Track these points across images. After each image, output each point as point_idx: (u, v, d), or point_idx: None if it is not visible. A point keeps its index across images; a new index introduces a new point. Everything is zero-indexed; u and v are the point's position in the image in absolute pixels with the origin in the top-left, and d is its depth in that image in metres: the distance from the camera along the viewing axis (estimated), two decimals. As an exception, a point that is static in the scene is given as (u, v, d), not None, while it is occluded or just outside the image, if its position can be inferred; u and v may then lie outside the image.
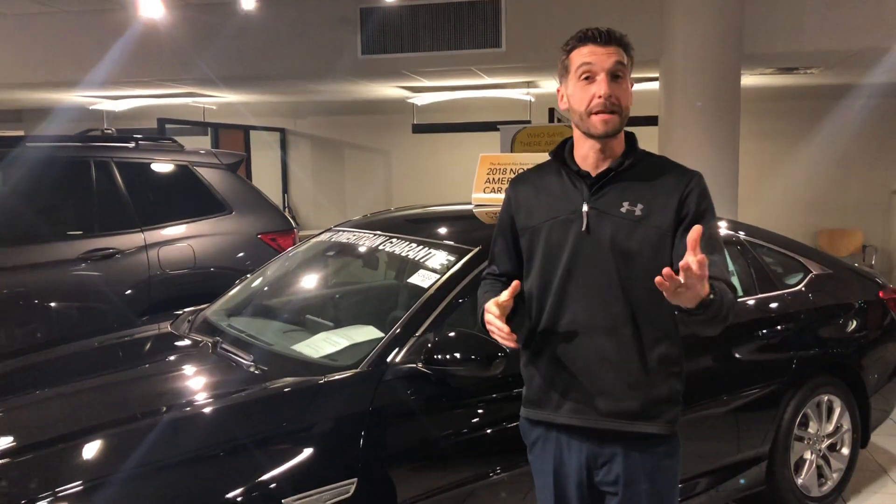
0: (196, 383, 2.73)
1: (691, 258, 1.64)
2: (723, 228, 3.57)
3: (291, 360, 2.71)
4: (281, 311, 3.37)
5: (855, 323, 3.81)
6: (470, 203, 3.85)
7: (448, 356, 2.35)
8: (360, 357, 2.55)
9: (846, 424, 3.74)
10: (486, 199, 3.83)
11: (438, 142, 10.74)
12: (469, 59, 7.33)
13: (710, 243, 1.90)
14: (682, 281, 1.64)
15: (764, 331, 3.41)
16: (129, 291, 4.66)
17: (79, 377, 2.90)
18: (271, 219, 5.39)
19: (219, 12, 7.56)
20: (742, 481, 3.36)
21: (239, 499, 2.11)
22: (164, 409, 2.37)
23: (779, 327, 3.48)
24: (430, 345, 2.42)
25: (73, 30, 7.94)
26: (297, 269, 3.73)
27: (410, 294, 2.88)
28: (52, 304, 4.52)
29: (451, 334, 2.41)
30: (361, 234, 3.44)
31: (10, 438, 2.33)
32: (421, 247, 3.05)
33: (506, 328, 1.87)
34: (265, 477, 2.17)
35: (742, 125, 6.35)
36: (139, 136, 5.23)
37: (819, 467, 3.66)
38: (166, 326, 3.32)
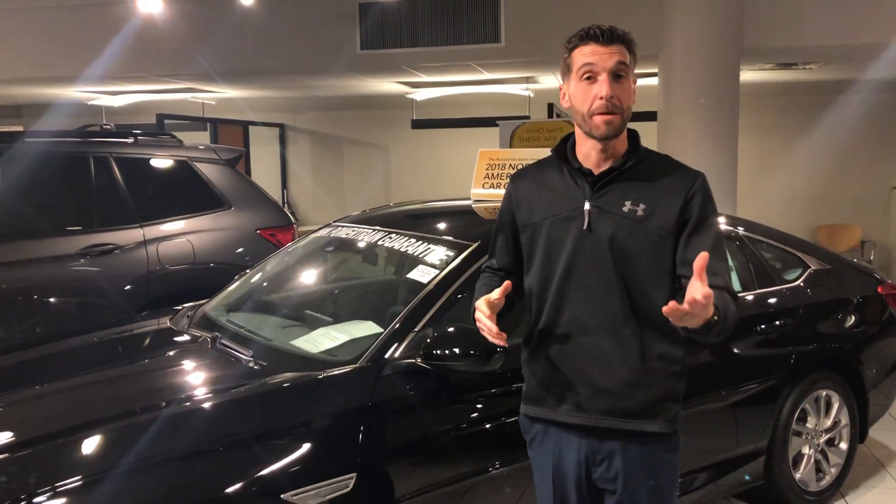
0: (195, 378, 2.74)
1: (697, 290, 1.64)
2: (721, 224, 3.57)
3: (290, 356, 2.71)
4: (280, 306, 3.37)
5: (853, 318, 3.81)
6: (469, 198, 3.86)
7: (447, 351, 2.36)
8: (359, 352, 2.55)
9: (844, 419, 3.75)
10: (485, 194, 3.83)
11: (437, 137, 10.74)
12: (468, 55, 7.32)
13: (714, 250, 1.90)
14: (689, 310, 1.64)
15: (762, 326, 3.41)
16: (128, 287, 4.66)
17: (78, 372, 2.91)
18: (270, 214, 5.39)
19: (217, 7, 7.55)
20: (747, 477, 3.38)
21: (238, 494, 2.11)
22: (164, 404, 2.37)
23: (777, 322, 3.48)
24: (429, 340, 2.42)
25: (72, 25, 7.93)
26: (296, 264, 3.73)
27: (409, 289, 2.88)
28: (52, 300, 4.52)
29: (450, 329, 2.41)
30: (361, 230, 3.44)
31: (10, 433, 2.33)
32: (420, 242, 3.06)
33: (494, 328, 1.86)
34: (264, 472, 2.17)
35: (741, 120, 6.35)
36: (138, 131, 5.23)
37: (817, 462, 3.67)
38: (165, 322, 3.33)
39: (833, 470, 3.74)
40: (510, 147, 7.32)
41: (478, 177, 3.90)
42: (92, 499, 1.99)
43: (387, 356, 2.51)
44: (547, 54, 7.03)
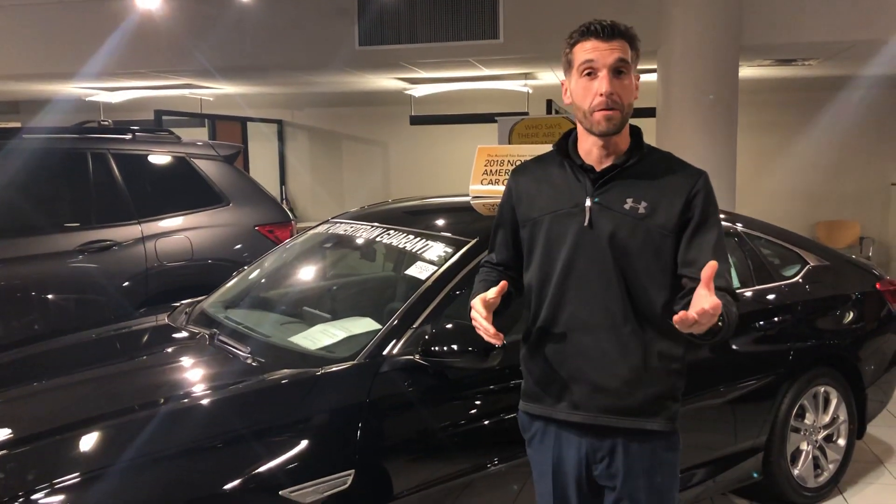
0: (193, 375, 2.74)
1: (705, 299, 1.64)
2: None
3: (289, 352, 2.71)
4: (278, 302, 3.37)
5: (852, 314, 3.82)
6: (467, 195, 3.85)
7: (445, 348, 2.36)
8: (357, 349, 2.55)
9: (843, 415, 3.75)
10: (484, 190, 3.82)
11: (436, 133, 10.73)
12: (467, 51, 7.31)
13: (716, 250, 1.90)
14: (697, 319, 1.64)
15: (761, 322, 3.41)
16: (126, 283, 4.65)
17: (76, 369, 2.91)
18: (269, 211, 5.38)
19: (216, 3, 7.54)
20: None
21: (236, 490, 2.11)
22: (162, 400, 2.37)
23: (776, 319, 3.48)
24: (427, 336, 2.42)
25: (70, 21, 7.91)
26: (294, 260, 3.73)
27: (408, 286, 2.88)
28: (50, 296, 4.52)
29: (449, 326, 2.41)
30: (359, 226, 3.43)
31: (8, 430, 2.33)
32: (418, 238, 3.05)
33: (491, 329, 1.85)
34: (262, 468, 2.17)
35: (740, 116, 6.34)
36: (136, 127, 5.22)
37: (815, 458, 3.67)
38: (163, 318, 3.32)
39: (831, 466, 3.74)
40: (509, 143, 7.31)
41: (476, 173, 3.90)
42: (90, 495, 1.99)
43: (385, 353, 2.50)
44: (545, 50, 7.03)
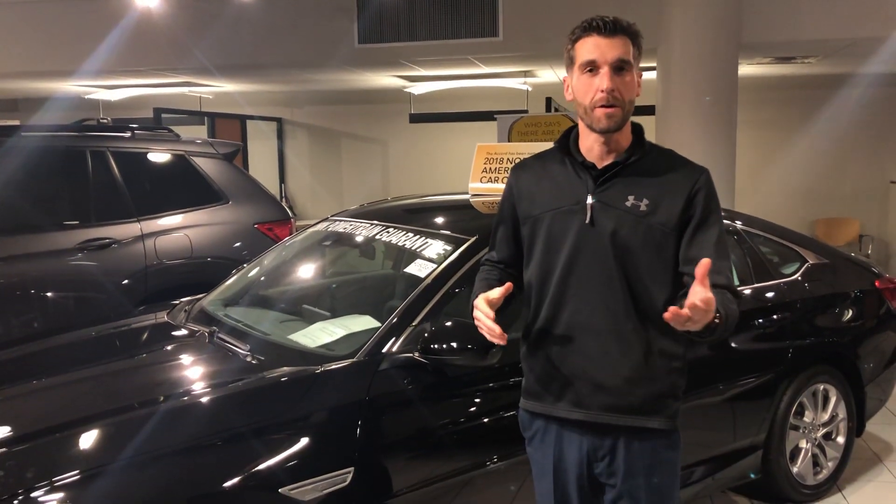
0: (193, 373, 2.74)
1: (698, 294, 1.64)
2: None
3: (288, 350, 2.71)
4: (278, 300, 3.37)
5: (851, 312, 3.82)
6: (467, 193, 3.85)
7: (445, 345, 2.36)
8: (356, 347, 2.55)
9: (842, 413, 3.75)
10: (483, 188, 3.82)
11: (435, 131, 10.73)
12: (466, 49, 7.31)
13: (717, 248, 1.89)
14: (690, 315, 1.64)
15: (760, 320, 3.42)
16: (125, 281, 4.65)
17: (76, 367, 2.90)
18: (268, 208, 5.38)
19: (215, 1, 7.52)
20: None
21: (236, 488, 2.11)
22: (161, 398, 2.37)
23: (775, 317, 3.49)
24: (426, 334, 2.42)
25: (69, 18, 7.90)
26: (293, 258, 3.73)
27: (407, 283, 2.88)
28: (49, 294, 4.52)
29: (448, 324, 2.40)
30: (358, 224, 3.43)
31: (7, 428, 2.33)
32: (418, 236, 3.05)
33: (496, 329, 1.84)
34: (262, 466, 2.17)
35: (739, 114, 6.34)
36: (135, 125, 5.21)
37: (814, 456, 3.68)
38: (163, 316, 3.32)
39: (830, 464, 3.74)
40: (508, 141, 7.31)
41: (476, 171, 3.90)
42: (90, 493, 1.99)
43: (384, 350, 2.51)
44: (545, 48, 7.02)
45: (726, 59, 6.16)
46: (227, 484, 2.11)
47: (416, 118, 10.17)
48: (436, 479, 2.46)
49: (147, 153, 5.03)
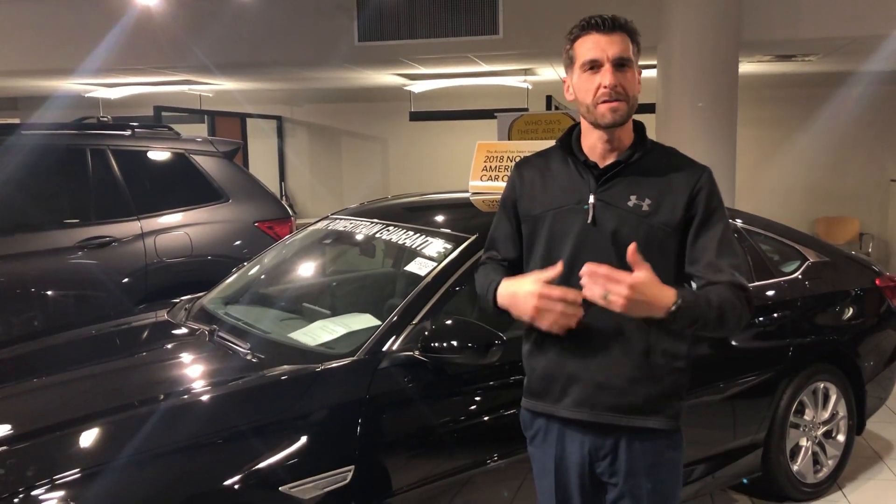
0: (193, 371, 2.74)
1: (621, 275, 1.70)
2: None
3: (288, 348, 2.71)
4: (278, 299, 3.37)
5: (851, 310, 3.82)
6: (467, 191, 3.85)
7: (445, 344, 2.36)
8: (357, 345, 2.55)
9: (842, 411, 3.75)
10: (484, 186, 3.82)
11: (435, 129, 10.72)
12: (466, 47, 7.30)
13: (720, 246, 1.89)
14: (594, 273, 1.71)
15: (760, 318, 3.41)
16: (125, 280, 4.65)
17: (76, 365, 2.90)
18: (268, 207, 5.38)
19: (215, -1, 7.53)
20: (744, 481, 3.38)
21: (236, 486, 2.12)
22: (162, 396, 2.37)
23: (775, 315, 3.49)
24: (427, 333, 2.42)
25: (69, 17, 7.89)
26: (294, 257, 3.73)
27: (407, 282, 2.88)
28: (49, 293, 4.51)
29: (449, 322, 2.41)
30: (358, 222, 3.43)
31: (8, 426, 2.33)
32: (418, 235, 3.05)
33: (570, 291, 1.81)
34: (262, 464, 2.17)
35: (739, 113, 6.34)
36: (135, 123, 5.21)
37: (815, 454, 3.68)
38: (163, 315, 3.32)
39: (830, 462, 3.75)
40: (508, 139, 7.31)
41: (476, 169, 3.90)
42: (90, 492, 1.99)
43: (385, 349, 2.51)
44: (545, 46, 7.02)
45: (726, 57, 6.16)
46: (228, 482, 2.11)
47: (416, 116, 10.17)
48: (436, 477, 2.46)
49: (147, 151, 5.03)
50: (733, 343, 3.26)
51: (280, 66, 8.27)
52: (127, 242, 4.69)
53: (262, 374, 2.50)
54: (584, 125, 1.97)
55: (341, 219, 3.56)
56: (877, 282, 3.98)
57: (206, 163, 5.17)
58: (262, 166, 11.01)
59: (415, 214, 3.56)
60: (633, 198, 1.91)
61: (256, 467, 2.16)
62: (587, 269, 1.72)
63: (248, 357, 2.64)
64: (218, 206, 5.11)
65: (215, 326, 2.92)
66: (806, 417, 3.60)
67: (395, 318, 2.59)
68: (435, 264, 2.79)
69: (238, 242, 5.10)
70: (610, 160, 1.95)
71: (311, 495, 2.21)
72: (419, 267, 2.84)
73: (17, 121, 11.08)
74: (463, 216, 3.46)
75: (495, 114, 7.75)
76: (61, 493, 1.96)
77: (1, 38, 8.08)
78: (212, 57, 7.69)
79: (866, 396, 3.83)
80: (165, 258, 4.80)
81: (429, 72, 8.88)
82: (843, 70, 8.76)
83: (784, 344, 3.46)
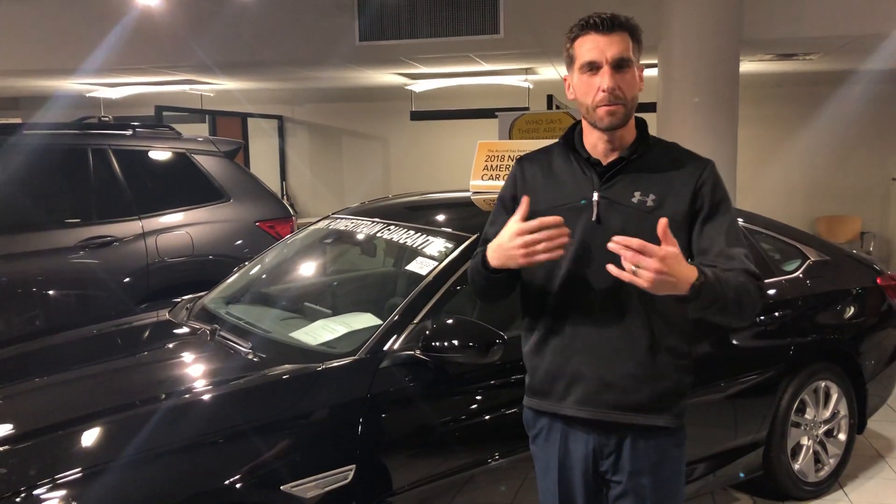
0: (194, 371, 2.74)
1: (652, 247, 1.65)
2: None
3: (289, 348, 2.71)
4: (279, 298, 3.37)
5: (852, 309, 3.82)
6: (468, 190, 3.85)
7: (446, 343, 2.36)
8: (358, 344, 2.55)
9: (843, 410, 3.75)
10: (485, 186, 3.82)
11: (436, 129, 10.72)
12: (467, 46, 7.30)
13: (728, 235, 1.88)
14: (629, 246, 1.66)
15: (762, 317, 3.41)
16: (127, 279, 4.66)
17: (77, 365, 2.91)
18: (269, 206, 5.38)
19: (216, -2, 7.53)
20: (741, 475, 3.38)
21: (238, 485, 2.12)
22: (163, 396, 2.37)
23: (776, 314, 3.48)
24: (428, 332, 2.42)
25: (70, 16, 7.90)
26: (295, 256, 3.73)
27: (408, 281, 2.88)
28: (51, 292, 4.52)
29: (449, 321, 2.41)
30: (359, 222, 3.44)
31: (10, 425, 2.33)
32: (419, 234, 3.05)
33: (549, 219, 1.77)
34: (264, 463, 2.18)
35: (741, 111, 6.34)
36: (136, 123, 5.22)
37: (816, 453, 3.68)
38: (164, 314, 3.33)
39: (832, 461, 3.74)
40: (509, 139, 7.31)
41: (477, 168, 3.90)
42: (92, 491, 1.99)
43: (386, 348, 2.51)
44: (546, 45, 7.02)
45: (728, 55, 6.15)
46: (229, 481, 2.12)
47: (417, 116, 10.17)
48: (437, 476, 2.47)
49: (148, 151, 5.03)
50: (734, 342, 3.26)
51: (281, 65, 8.27)
52: (128, 242, 4.70)
53: (263, 374, 2.50)
54: (586, 124, 1.97)
55: (342, 218, 3.56)
56: (878, 281, 3.97)
57: (207, 162, 5.17)
58: (263, 166, 11.02)
59: (416, 214, 3.56)
60: (637, 194, 1.90)
61: (258, 466, 2.17)
62: (617, 240, 1.68)
63: (250, 356, 2.64)
64: (219, 206, 5.11)
65: (216, 326, 2.93)
66: (807, 416, 3.60)
67: (396, 318, 2.59)
68: (436, 263, 2.79)
69: (239, 242, 5.11)
70: (612, 157, 1.94)
71: (313, 494, 2.21)
72: (420, 266, 2.84)
73: (18, 120, 11.09)
74: (464, 215, 3.46)
75: (496, 113, 7.75)
76: (63, 492, 1.97)
77: (2, 37, 8.09)
78: (213, 56, 7.69)
79: (867, 395, 3.82)
80: (167, 258, 4.81)
81: (430, 71, 8.89)
82: (844, 69, 8.76)
83: (785, 343, 3.46)
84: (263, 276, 3.64)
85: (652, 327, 1.91)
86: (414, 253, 2.98)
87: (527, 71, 8.96)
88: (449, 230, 3.05)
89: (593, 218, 1.91)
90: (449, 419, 2.52)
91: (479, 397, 2.60)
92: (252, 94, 11.26)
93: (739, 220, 3.63)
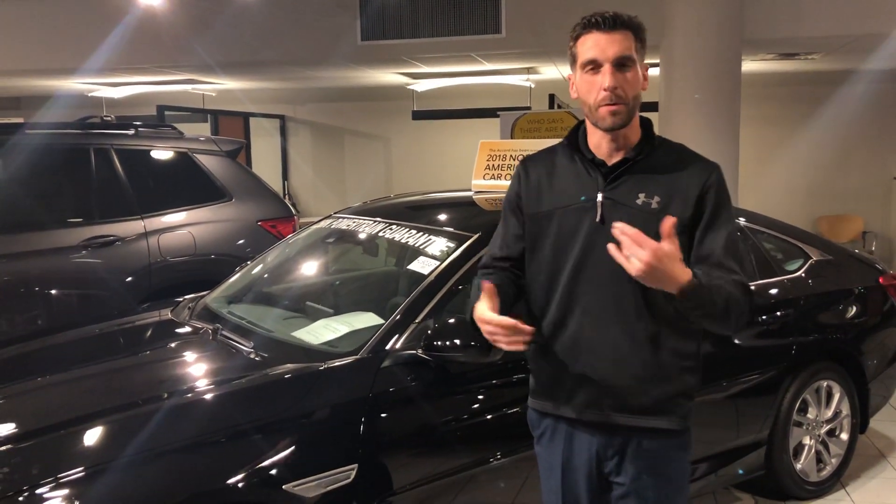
0: (197, 370, 2.74)
1: (653, 244, 1.65)
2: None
3: (292, 347, 2.72)
4: (281, 297, 3.37)
5: (854, 309, 3.81)
6: (470, 189, 3.85)
7: (448, 342, 2.36)
8: (360, 343, 2.55)
9: (845, 410, 3.75)
10: (486, 185, 3.82)
11: (438, 128, 10.72)
12: (469, 45, 7.30)
13: (727, 246, 1.87)
14: (632, 237, 1.66)
15: (764, 317, 3.41)
16: (129, 278, 4.66)
17: (80, 364, 2.91)
18: (271, 206, 5.39)
19: (217, -2, 7.53)
20: (740, 471, 3.38)
21: (240, 484, 2.12)
22: (165, 395, 2.38)
23: (778, 313, 3.48)
24: (429, 331, 2.42)
25: (72, 16, 7.90)
26: (297, 256, 3.73)
27: (410, 281, 2.88)
28: (53, 291, 4.53)
29: (451, 321, 2.40)
30: (361, 221, 3.44)
31: (12, 425, 2.34)
32: (421, 233, 3.05)
33: (509, 320, 1.77)
34: (266, 463, 2.18)
35: (742, 111, 6.33)
36: (138, 123, 5.22)
37: (818, 453, 3.67)
38: (167, 313, 3.33)
39: (834, 460, 3.74)
40: (511, 138, 7.31)
41: (479, 168, 3.90)
42: (94, 490, 1.99)
43: (388, 347, 2.51)
44: (548, 45, 7.01)
45: (729, 55, 6.15)
46: (231, 480, 2.12)
47: (418, 115, 10.16)
48: (439, 475, 2.47)
49: (150, 151, 5.04)
50: (736, 341, 3.26)
51: (283, 65, 8.28)
52: (130, 241, 4.70)
53: (265, 373, 2.51)
54: (589, 123, 1.95)
55: (344, 218, 3.57)
56: (880, 280, 3.97)
57: (209, 162, 5.17)
58: (265, 165, 11.02)
59: (417, 213, 3.56)
60: (641, 195, 1.89)
61: (260, 466, 2.17)
62: (618, 226, 1.69)
63: (252, 356, 2.64)
64: (221, 205, 5.12)
65: (219, 325, 2.93)
66: (809, 416, 3.60)
67: (398, 317, 2.59)
68: (438, 263, 2.79)
69: (241, 241, 5.11)
70: (617, 158, 1.92)
71: (315, 493, 2.22)
72: (422, 265, 2.85)
73: (20, 120, 11.10)
74: (466, 215, 3.46)
75: (498, 113, 7.74)
76: (65, 491, 1.97)
77: (4, 37, 8.09)
78: (215, 56, 7.69)
79: (870, 395, 3.82)
80: (169, 257, 4.81)
81: (431, 71, 8.88)
82: (846, 68, 8.74)
83: (787, 342, 3.46)
84: (265, 275, 3.64)
85: (657, 328, 1.90)
86: (416, 252, 2.98)
87: (528, 70, 8.95)
88: (451, 230, 3.05)
89: (597, 219, 1.90)
90: (450, 418, 2.52)
91: (480, 397, 2.60)
92: (254, 94, 11.27)
93: (741, 219, 3.66)
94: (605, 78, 1.84)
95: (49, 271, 4.48)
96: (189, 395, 2.40)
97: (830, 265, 3.84)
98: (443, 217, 3.41)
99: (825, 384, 3.65)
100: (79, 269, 4.55)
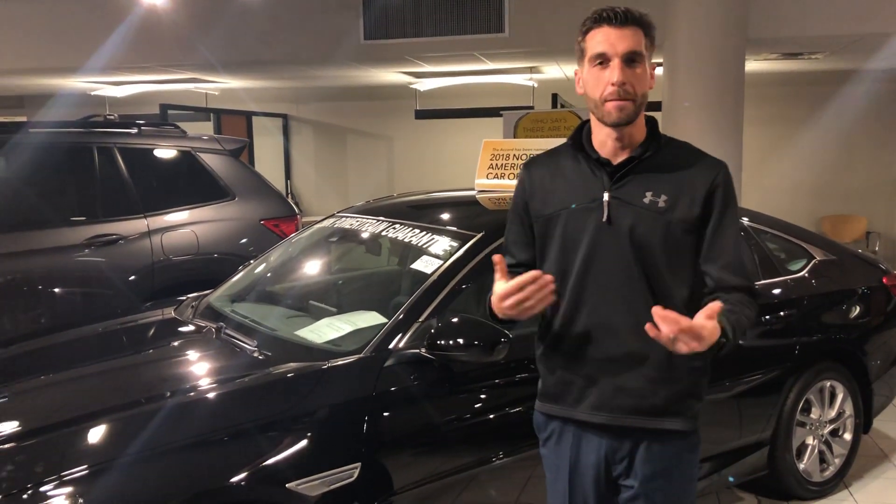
0: (200, 369, 2.75)
1: (696, 326, 1.65)
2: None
3: (295, 346, 2.72)
4: (284, 296, 3.37)
5: (858, 309, 3.81)
6: (473, 189, 3.85)
7: (451, 342, 2.35)
8: (363, 342, 2.55)
9: (848, 410, 3.74)
10: (490, 184, 3.82)
11: (441, 127, 10.72)
12: (472, 45, 7.30)
13: (735, 246, 1.87)
14: (676, 322, 1.64)
15: (767, 317, 3.41)
16: (132, 277, 4.67)
17: (83, 362, 2.92)
18: (274, 205, 5.39)
19: (220, -3, 7.54)
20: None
21: (243, 483, 2.12)
22: (169, 394, 2.38)
23: (782, 313, 3.48)
24: (433, 330, 2.42)
25: (75, 15, 7.92)
26: (300, 254, 3.73)
27: (413, 280, 2.88)
28: (56, 290, 4.53)
29: (454, 320, 2.40)
30: (364, 220, 3.44)
31: (16, 423, 2.34)
32: (424, 233, 3.05)
33: (546, 279, 1.75)
34: (269, 462, 2.18)
35: (746, 110, 6.32)
36: (141, 121, 5.23)
37: (821, 452, 3.67)
38: (170, 312, 3.33)
39: (837, 460, 3.74)
40: (514, 137, 7.30)
41: (482, 167, 3.90)
42: (97, 488, 2.00)
43: (391, 346, 2.51)
44: (551, 44, 7.01)
45: (733, 54, 6.14)
46: (234, 479, 2.12)
47: (421, 114, 10.16)
48: (442, 474, 2.47)
49: (153, 149, 5.04)
50: (739, 341, 3.25)
51: (286, 64, 8.28)
52: (134, 240, 4.71)
53: (268, 372, 2.51)
54: (594, 121, 1.92)
55: (347, 217, 3.56)
56: (884, 280, 3.96)
57: (212, 161, 5.18)
58: (268, 164, 11.02)
59: (420, 212, 3.56)
60: (648, 194, 1.87)
61: (263, 464, 2.17)
62: (659, 313, 1.66)
63: (255, 354, 2.64)
64: (224, 204, 5.12)
65: (222, 324, 2.93)
66: (812, 416, 3.60)
67: (402, 316, 2.59)
68: (441, 262, 2.79)
69: (244, 240, 5.11)
70: (622, 157, 1.90)
71: (318, 492, 2.22)
72: (425, 265, 2.84)
73: (23, 119, 11.11)
74: (469, 214, 3.46)
75: (501, 112, 7.74)
76: (69, 489, 1.97)
77: (7, 36, 8.11)
78: (218, 55, 7.70)
79: (873, 395, 3.82)
80: (172, 256, 4.81)
81: (434, 70, 8.89)
82: (849, 68, 8.74)
83: (790, 342, 3.46)
84: (268, 274, 3.64)
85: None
86: (419, 251, 2.98)
87: (531, 70, 8.95)
88: (454, 229, 3.05)
89: (604, 219, 1.88)
90: (454, 418, 2.52)
91: (483, 396, 2.60)
92: (257, 93, 11.27)
93: (745, 219, 3.66)
94: (613, 73, 1.81)
95: (52, 270, 4.49)
96: (192, 393, 2.41)
97: (834, 265, 3.84)
98: (446, 216, 3.41)
99: (828, 384, 3.64)
100: (82, 268, 4.56)
